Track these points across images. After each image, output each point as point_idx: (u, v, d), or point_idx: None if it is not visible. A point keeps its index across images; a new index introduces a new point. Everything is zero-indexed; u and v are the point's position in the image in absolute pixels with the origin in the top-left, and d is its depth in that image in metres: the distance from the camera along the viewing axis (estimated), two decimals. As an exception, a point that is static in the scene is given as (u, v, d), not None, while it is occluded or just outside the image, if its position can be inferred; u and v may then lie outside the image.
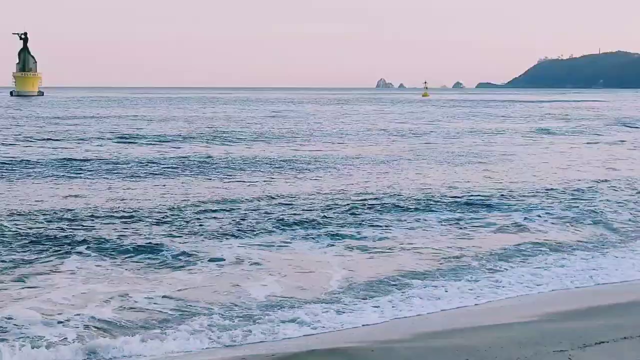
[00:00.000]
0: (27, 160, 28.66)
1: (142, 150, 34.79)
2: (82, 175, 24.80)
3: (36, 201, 19.08)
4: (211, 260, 13.24)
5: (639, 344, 8.56)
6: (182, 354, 8.88)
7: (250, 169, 27.17)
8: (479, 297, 11.33)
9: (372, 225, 16.44)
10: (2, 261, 12.83)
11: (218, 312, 10.29)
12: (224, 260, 13.25)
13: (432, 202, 19.45)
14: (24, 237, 14.53)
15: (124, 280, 11.93)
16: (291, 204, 18.94)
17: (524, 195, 20.86)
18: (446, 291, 11.52)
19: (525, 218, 17.48)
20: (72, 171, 25.72)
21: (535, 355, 8.18)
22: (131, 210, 17.71)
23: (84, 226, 15.78)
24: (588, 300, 11.10)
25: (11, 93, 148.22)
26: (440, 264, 13.30)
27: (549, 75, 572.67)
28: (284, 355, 8.34)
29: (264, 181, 23.75)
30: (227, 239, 14.96)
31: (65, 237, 14.65)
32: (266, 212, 17.70)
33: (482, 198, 20.27)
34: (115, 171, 25.85)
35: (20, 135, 42.61)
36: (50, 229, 15.33)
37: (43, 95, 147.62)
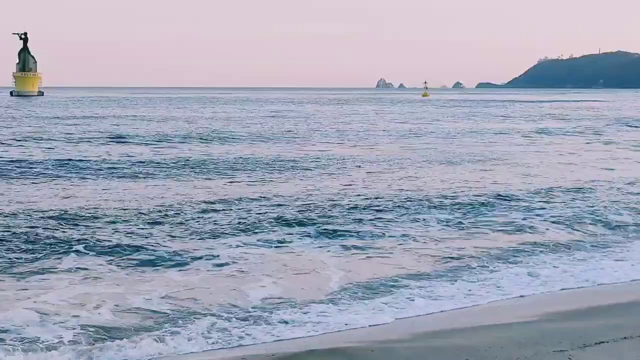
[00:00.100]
0: (27, 160, 28.66)
1: (142, 150, 34.78)
2: (81, 175, 24.78)
3: (35, 201, 19.07)
4: (210, 260, 13.18)
5: (639, 344, 8.56)
6: (181, 355, 8.83)
7: (250, 169, 27.16)
8: (478, 297, 11.31)
9: (372, 225, 16.42)
10: None
11: (217, 312, 10.24)
12: (223, 260, 13.21)
13: (431, 202, 19.44)
14: (21, 237, 14.48)
15: (122, 281, 11.89)
16: (290, 204, 18.93)
17: (523, 195, 20.85)
18: (446, 291, 11.51)
19: (525, 218, 17.47)
20: (71, 171, 25.70)
21: (535, 355, 8.18)
22: (130, 210, 17.70)
23: (82, 226, 15.75)
24: (588, 300, 11.09)
25: (11, 93, 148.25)
26: (440, 264, 13.30)
27: (549, 75, 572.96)
28: (284, 355, 8.33)
29: (263, 181, 23.74)
30: (226, 239, 14.94)
31: (63, 237, 14.61)
32: (265, 212, 17.69)
33: (482, 198, 20.26)
34: (114, 171, 25.83)
35: (19, 135, 42.59)
36: (48, 229, 15.30)
37: (43, 95, 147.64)
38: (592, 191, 21.95)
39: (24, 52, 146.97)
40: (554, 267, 13.19)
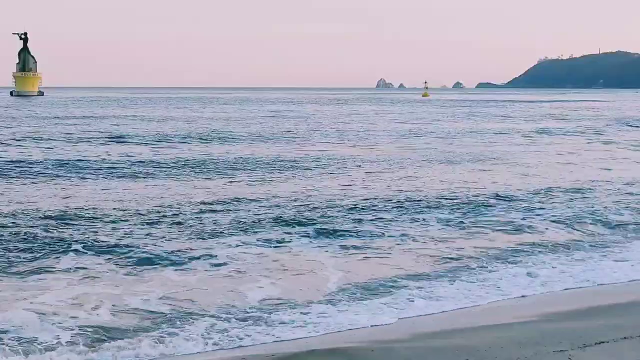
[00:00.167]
0: (26, 160, 28.65)
1: (141, 150, 34.77)
2: (80, 175, 24.77)
3: (34, 201, 19.05)
4: (209, 260, 13.15)
5: (638, 344, 8.55)
6: (181, 356, 8.80)
7: (250, 169, 27.14)
8: (478, 297, 11.29)
9: (371, 225, 16.40)
10: (-1, 261, 12.77)
11: (216, 313, 10.21)
12: (222, 260, 13.18)
13: (431, 202, 19.43)
14: (20, 237, 14.46)
15: (120, 281, 11.85)
16: (290, 204, 18.92)
17: (523, 195, 20.84)
18: (445, 291, 11.49)
19: (524, 218, 17.46)
20: (70, 171, 25.69)
21: (535, 355, 8.17)
22: (129, 210, 17.68)
23: (80, 226, 15.73)
24: (588, 300, 11.08)
25: (11, 93, 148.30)
26: (440, 264, 13.28)
27: (549, 75, 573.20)
28: (284, 355, 8.32)
29: (263, 181, 23.73)
30: (225, 238, 14.92)
31: (62, 237, 14.59)
32: (264, 212, 17.68)
33: (481, 198, 20.25)
34: (113, 171, 25.82)
35: (19, 134, 42.59)
36: (47, 229, 15.28)
37: (43, 95, 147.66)
38: (592, 191, 21.94)
39: (24, 52, 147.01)
40: (554, 267, 13.17)
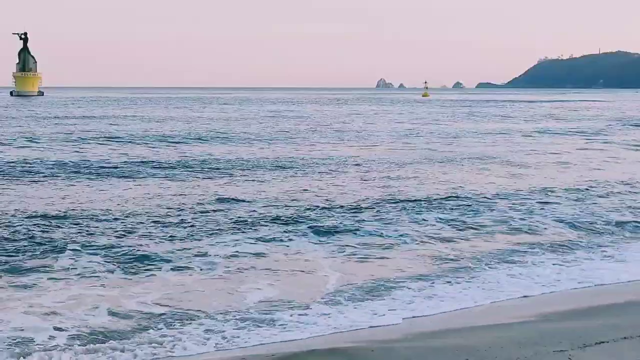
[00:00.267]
0: (26, 160, 28.65)
1: (141, 150, 34.76)
2: (80, 175, 24.76)
3: (33, 201, 19.04)
4: (208, 261, 13.13)
5: (638, 344, 8.56)
6: (180, 357, 8.77)
7: (249, 168, 27.14)
8: (478, 297, 11.29)
9: (370, 225, 16.41)
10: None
11: (215, 314, 10.19)
12: (221, 260, 13.17)
13: (430, 202, 19.43)
14: (18, 238, 14.45)
15: (118, 282, 11.82)
16: (289, 204, 18.92)
17: (523, 195, 20.84)
18: (445, 291, 11.50)
19: (524, 218, 17.46)
20: (70, 171, 25.68)
21: (535, 355, 8.17)
22: (128, 211, 17.68)
23: (79, 226, 15.71)
24: (587, 300, 11.09)
25: (11, 93, 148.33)
26: (439, 264, 13.28)
27: (549, 75, 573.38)
28: (284, 355, 8.32)
29: (262, 181, 23.73)
30: (225, 239, 14.89)
31: (60, 237, 14.56)
32: (264, 212, 17.67)
33: (481, 198, 20.26)
34: (113, 171, 25.81)
35: (19, 135, 42.58)
36: (45, 229, 15.27)
37: (43, 95, 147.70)
38: (592, 191, 21.95)
39: (24, 52, 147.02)
40: (553, 267, 13.18)
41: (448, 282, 12.06)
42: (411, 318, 10.27)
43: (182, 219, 16.74)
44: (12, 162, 27.92)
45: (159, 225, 16.10)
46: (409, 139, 43.53)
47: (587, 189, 22.29)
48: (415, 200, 19.64)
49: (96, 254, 13.37)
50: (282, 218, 16.94)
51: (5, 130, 46.41)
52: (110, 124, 56.38)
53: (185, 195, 20.44)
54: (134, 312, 10.24)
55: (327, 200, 19.68)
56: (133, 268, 12.61)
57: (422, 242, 15.01)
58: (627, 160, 32.46)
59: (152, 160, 29.43)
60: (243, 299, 10.93)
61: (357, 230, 15.90)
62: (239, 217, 17.02)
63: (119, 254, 13.40)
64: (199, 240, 14.77)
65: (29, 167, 26.66)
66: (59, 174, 24.76)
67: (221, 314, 10.20)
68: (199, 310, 10.32)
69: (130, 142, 39.10)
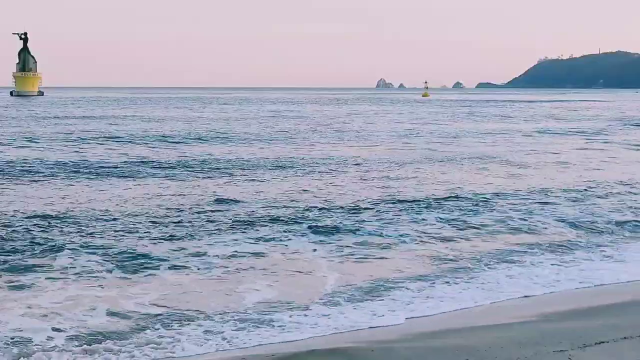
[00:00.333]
0: (26, 160, 28.63)
1: (141, 150, 34.75)
2: (80, 175, 24.74)
3: (32, 201, 19.03)
4: (207, 261, 13.09)
5: (638, 344, 8.54)
6: (179, 357, 8.75)
7: (249, 168, 27.12)
8: (478, 297, 11.28)
9: (370, 225, 16.39)
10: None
11: (214, 314, 10.16)
12: (220, 260, 13.14)
13: (430, 202, 19.41)
14: (16, 238, 14.42)
15: (117, 282, 11.78)
16: (288, 204, 18.90)
17: (522, 196, 20.83)
18: (445, 291, 11.49)
19: (524, 218, 17.44)
20: (70, 171, 25.67)
21: (535, 355, 8.16)
22: (127, 211, 17.66)
23: (77, 226, 15.68)
24: (587, 300, 11.08)
25: (11, 93, 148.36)
26: (439, 264, 13.26)
27: (549, 75, 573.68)
28: (284, 355, 8.31)
29: (262, 181, 23.71)
30: (223, 239, 14.86)
31: (58, 237, 14.53)
32: (263, 212, 17.66)
33: (481, 198, 20.24)
34: (112, 171, 25.79)
35: (19, 135, 42.57)
36: (43, 229, 15.25)
37: (43, 95, 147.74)
38: (591, 191, 21.93)
39: (24, 52, 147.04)
40: (553, 267, 13.16)
41: (447, 282, 12.04)
42: (411, 318, 10.25)
43: (181, 219, 16.72)
44: (12, 162, 27.90)
45: (158, 225, 16.08)
46: (408, 139, 43.51)
47: (586, 189, 22.28)
48: (414, 200, 19.62)
49: (95, 254, 13.33)
50: (281, 218, 16.92)
51: (5, 130, 46.41)
52: (110, 123, 56.37)
53: (184, 195, 20.42)
54: (133, 313, 10.20)
55: (326, 200, 19.66)
56: (132, 268, 12.58)
57: (421, 242, 14.99)
58: (627, 160, 32.45)
59: (151, 160, 29.41)
60: (242, 300, 10.90)
61: (357, 230, 15.88)
62: (238, 217, 17.00)
63: (117, 254, 13.37)
64: (198, 240, 14.75)
65: (29, 167, 26.64)
66: (58, 174, 24.74)
67: (220, 314, 10.17)
68: (198, 311, 10.29)
69: (130, 142, 39.08)
